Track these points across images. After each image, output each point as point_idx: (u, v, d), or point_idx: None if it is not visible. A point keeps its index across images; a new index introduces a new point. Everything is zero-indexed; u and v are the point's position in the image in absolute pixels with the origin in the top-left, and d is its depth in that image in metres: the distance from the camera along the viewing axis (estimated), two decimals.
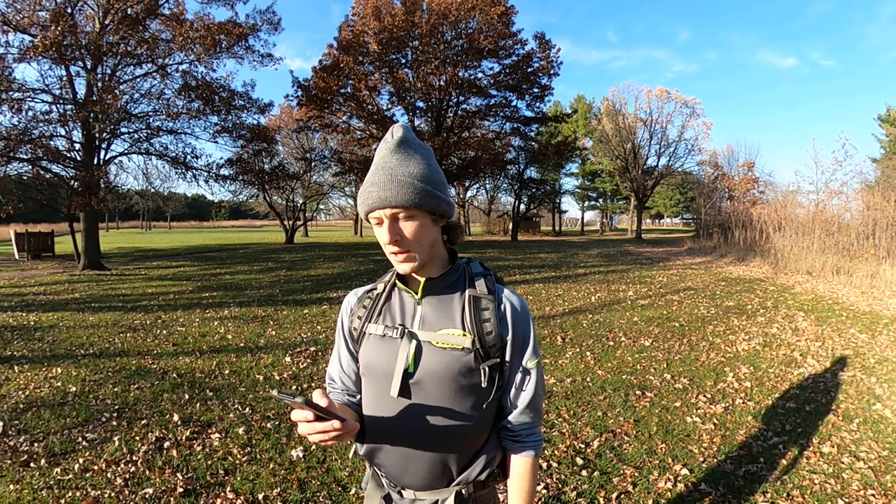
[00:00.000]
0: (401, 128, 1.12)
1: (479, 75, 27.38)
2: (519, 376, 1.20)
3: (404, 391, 1.14)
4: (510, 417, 1.21)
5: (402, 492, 1.22)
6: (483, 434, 1.20)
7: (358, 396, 1.31)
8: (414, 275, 1.19)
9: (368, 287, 1.32)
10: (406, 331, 1.17)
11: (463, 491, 1.19)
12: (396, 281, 1.24)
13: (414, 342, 1.15)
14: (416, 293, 1.20)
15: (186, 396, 4.68)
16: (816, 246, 14.65)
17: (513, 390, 1.21)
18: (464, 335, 1.14)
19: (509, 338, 1.18)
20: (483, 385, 1.14)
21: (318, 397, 0.95)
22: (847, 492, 3.10)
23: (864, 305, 9.09)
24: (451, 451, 1.17)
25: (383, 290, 1.26)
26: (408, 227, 1.10)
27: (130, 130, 17.39)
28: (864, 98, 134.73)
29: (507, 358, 1.19)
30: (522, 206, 40.14)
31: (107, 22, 14.90)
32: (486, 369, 1.14)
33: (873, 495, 3.06)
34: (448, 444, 1.16)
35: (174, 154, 18.00)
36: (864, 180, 21.47)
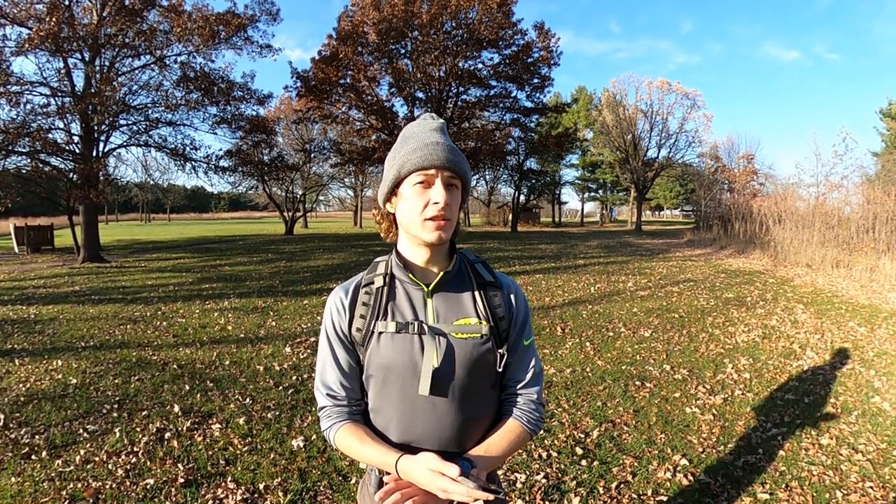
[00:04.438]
0: (436, 115, 1.16)
1: (479, 66, 27.29)
2: (523, 356, 1.25)
3: (434, 388, 1.12)
4: (518, 393, 1.26)
5: None
6: (494, 410, 1.25)
7: (363, 404, 1.23)
8: (420, 267, 1.18)
9: (359, 282, 1.22)
10: (425, 326, 1.14)
11: None
12: (399, 273, 1.18)
13: (438, 338, 1.14)
14: (426, 286, 1.17)
15: (187, 387, 4.69)
16: (816, 239, 14.63)
17: (518, 369, 1.25)
18: (480, 323, 1.16)
19: (514, 321, 1.23)
20: (498, 369, 1.18)
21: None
22: (845, 483, 3.12)
23: (864, 299, 9.09)
24: (471, 434, 1.18)
25: (384, 284, 1.19)
26: (452, 196, 1.10)
27: (129, 122, 17.34)
28: (866, 92, 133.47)
29: (513, 340, 1.23)
30: (522, 197, 40.05)
31: (104, 13, 14.80)
32: (504, 353, 1.18)
33: (871, 487, 3.07)
34: (469, 428, 1.17)
35: (173, 146, 17.96)
36: (865, 174, 21.39)
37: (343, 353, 1.20)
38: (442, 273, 1.17)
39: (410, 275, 1.17)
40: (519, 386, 1.25)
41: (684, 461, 3.36)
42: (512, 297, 1.24)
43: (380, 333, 1.15)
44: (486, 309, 1.18)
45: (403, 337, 1.13)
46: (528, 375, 1.25)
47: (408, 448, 1.15)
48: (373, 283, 1.20)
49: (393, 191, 1.14)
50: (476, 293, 1.20)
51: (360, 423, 1.19)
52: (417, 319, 1.15)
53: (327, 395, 1.20)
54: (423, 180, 1.08)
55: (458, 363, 1.14)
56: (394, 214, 1.18)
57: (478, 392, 1.18)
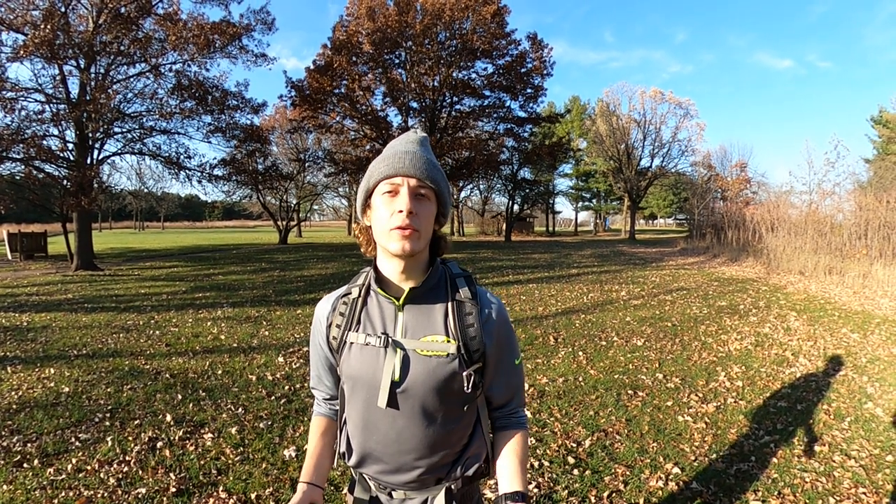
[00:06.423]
0: (422, 131, 1.16)
1: (473, 76, 27.50)
2: (508, 376, 1.24)
3: (392, 401, 1.12)
4: (500, 413, 1.27)
5: (393, 492, 1.23)
6: (467, 432, 1.22)
7: (337, 402, 1.32)
8: (394, 281, 1.16)
9: (341, 292, 1.26)
10: (390, 340, 1.13)
11: (452, 486, 1.20)
12: (374, 286, 1.18)
13: (399, 352, 1.12)
14: (397, 300, 1.15)
15: (179, 397, 4.66)
16: (809, 246, 14.74)
17: (504, 389, 1.24)
18: (448, 341, 1.13)
19: (495, 342, 1.19)
20: (466, 390, 1.13)
21: None
22: (838, 490, 3.13)
23: (856, 305, 9.15)
24: (439, 453, 1.17)
25: (359, 295, 1.20)
26: (421, 206, 1.07)
27: (123, 130, 17.33)
28: (858, 99, 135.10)
29: (494, 361, 1.20)
30: (516, 207, 40.21)
31: (100, 21, 14.82)
32: (472, 374, 1.13)
33: (864, 493, 3.08)
34: (436, 447, 1.16)
35: (167, 154, 17.95)
36: (857, 181, 21.60)
37: (320, 358, 1.28)
38: (409, 289, 1.14)
39: (380, 289, 1.17)
40: (507, 408, 1.27)
41: (676, 469, 3.37)
42: (493, 318, 1.18)
43: (351, 344, 1.17)
44: (457, 328, 1.14)
45: (370, 349, 1.14)
46: (517, 396, 1.27)
47: (364, 456, 1.21)
48: (350, 293, 1.23)
49: (366, 202, 1.14)
50: (449, 310, 1.16)
51: (330, 420, 1.33)
52: (385, 332, 1.15)
53: (312, 388, 1.36)
54: (391, 189, 1.07)
55: (420, 380, 1.12)
56: (371, 227, 1.16)
57: (444, 411, 1.15)
